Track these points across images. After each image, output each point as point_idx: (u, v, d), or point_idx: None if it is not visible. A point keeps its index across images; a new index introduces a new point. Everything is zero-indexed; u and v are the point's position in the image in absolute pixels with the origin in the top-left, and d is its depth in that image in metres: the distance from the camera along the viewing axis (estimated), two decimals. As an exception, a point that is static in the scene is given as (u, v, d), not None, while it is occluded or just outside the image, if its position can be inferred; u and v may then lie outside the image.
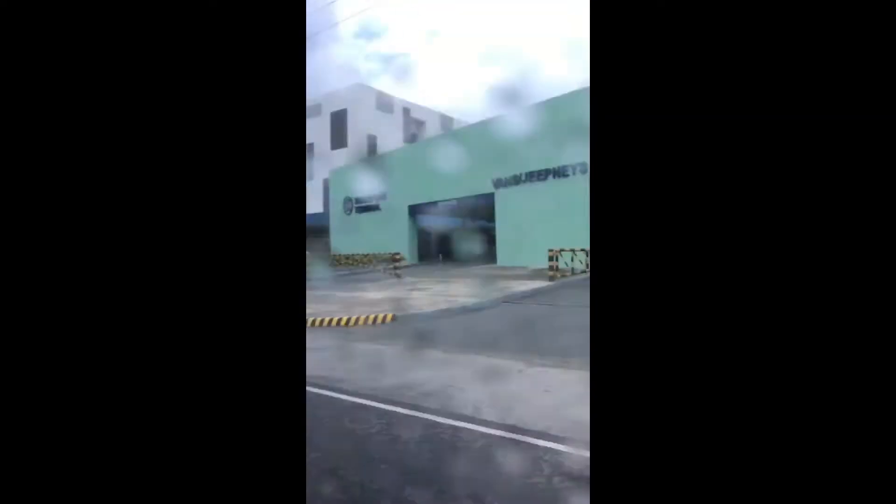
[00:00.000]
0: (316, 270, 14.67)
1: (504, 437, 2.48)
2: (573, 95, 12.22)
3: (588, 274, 9.48)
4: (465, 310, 7.26)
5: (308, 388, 3.44)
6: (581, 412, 2.30)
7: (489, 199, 15.56)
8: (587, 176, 9.82)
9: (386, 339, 5.37)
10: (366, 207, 21.16)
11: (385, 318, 6.57)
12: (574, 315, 5.93)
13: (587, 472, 1.83)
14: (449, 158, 16.44)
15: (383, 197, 20.27)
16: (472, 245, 16.29)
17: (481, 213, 18.07)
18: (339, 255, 14.63)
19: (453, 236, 22.95)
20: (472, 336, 5.52)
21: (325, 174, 34.95)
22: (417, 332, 5.71)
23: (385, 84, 36.47)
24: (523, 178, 14.22)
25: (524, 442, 2.42)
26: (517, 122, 14.20)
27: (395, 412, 2.95)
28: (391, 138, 34.43)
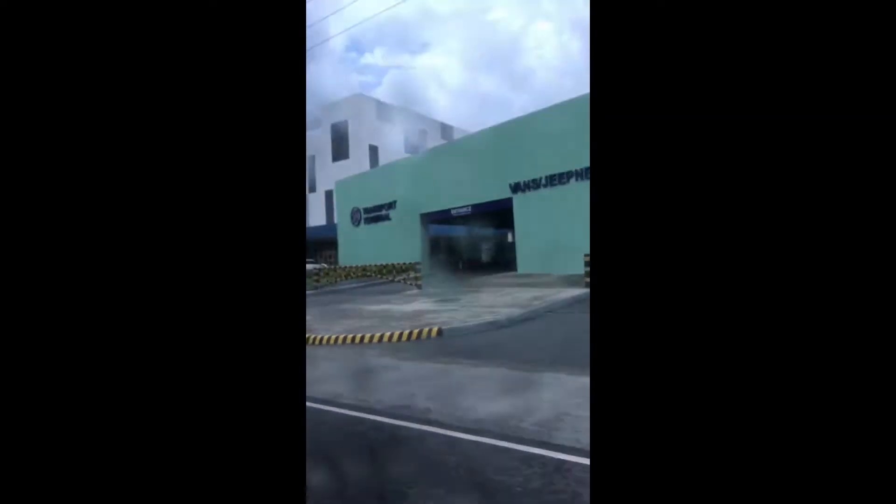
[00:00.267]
0: (330, 283, 14.15)
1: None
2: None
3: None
4: (512, 322, 6.76)
5: (399, 423, 2.92)
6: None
7: (505, 204, 15.14)
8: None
9: (444, 357, 4.87)
10: (374, 218, 20.70)
11: (431, 332, 6.07)
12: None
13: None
14: (461, 165, 16.06)
15: (392, 206, 19.83)
16: (489, 253, 15.85)
17: (497, 220, 17.66)
18: (353, 266, 14.14)
19: (468, 244, 22.53)
20: (536, 351, 5.02)
21: (328, 186, 34.62)
22: (473, 348, 5.21)
23: (381, 95, 36.24)
24: (543, 181, 13.80)
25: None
26: (534, 125, 13.85)
27: (539, 456, 2.36)
28: (392, 148, 34.16)
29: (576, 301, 8.21)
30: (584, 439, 2.49)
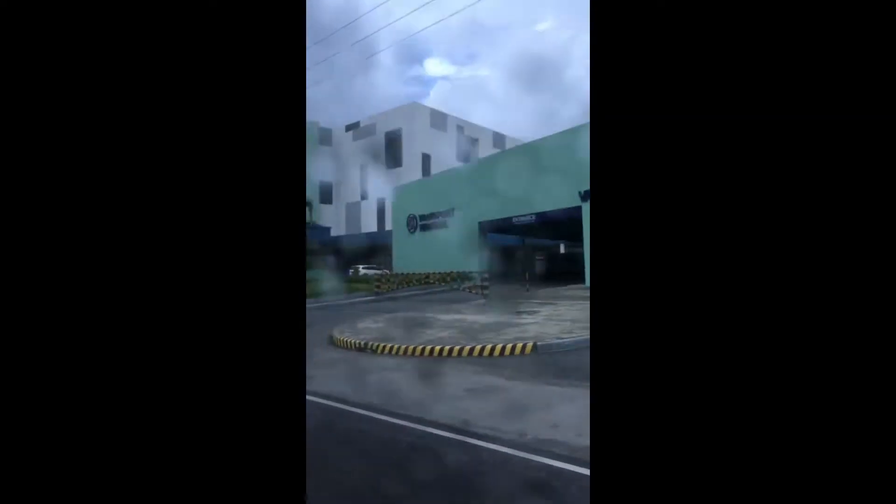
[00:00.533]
0: (391, 289, 13.87)
1: None
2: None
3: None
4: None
5: (558, 464, 2.35)
6: None
7: (574, 213, 14.35)
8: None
9: (553, 378, 4.26)
10: (431, 225, 20.41)
11: (525, 347, 5.48)
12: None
13: None
14: (525, 172, 15.45)
15: (450, 213, 19.46)
16: (552, 264, 15.09)
17: (563, 230, 16.87)
18: (413, 273, 13.80)
19: (529, 254, 21.79)
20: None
21: (380, 193, 34.92)
22: (579, 367, 4.56)
23: (429, 106, 36.28)
24: (618, 189, 12.92)
25: None
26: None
27: None
28: (445, 157, 34.04)
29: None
30: None
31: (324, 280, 22.12)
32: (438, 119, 35.07)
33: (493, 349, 5.43)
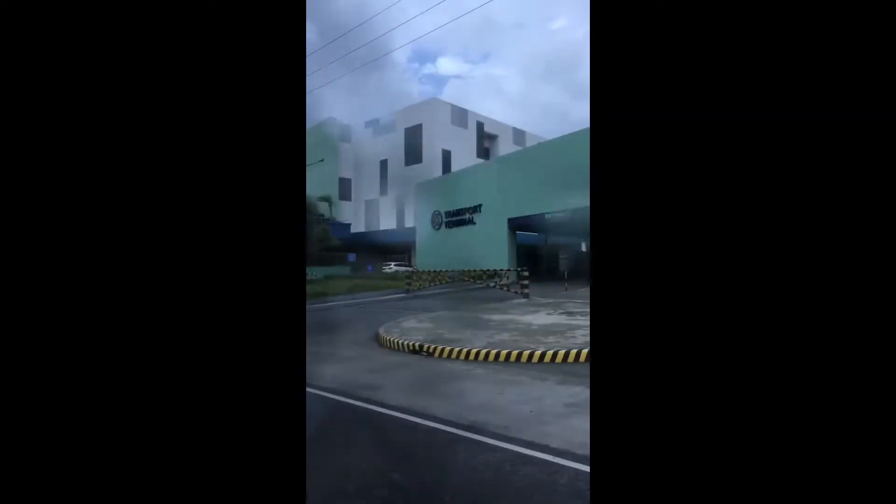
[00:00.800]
0: (422, 287, 13.36)
1: None
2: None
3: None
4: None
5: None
6: None
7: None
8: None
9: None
10: (457, 222, 19.86)
11: (603, 353, 4.91)
12: None
13: None
14: (558, 166, 14.82)
15: (477, 210, 18.90)
16: (577, 262, 14.49)
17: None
18: (447, 271, 13.29)
19: (554, 253, 21.11)
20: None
21: (400, 190, 34.50)
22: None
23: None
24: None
25: None
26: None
27: None
28: (465, 153, 33.45)
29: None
30: None
31: (350, 277, 21.71)
32: (459, 115, 34.49)
33: (567, 354, 4.88)
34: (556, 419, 3.05)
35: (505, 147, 35.27)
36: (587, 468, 2.29)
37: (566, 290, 12.50)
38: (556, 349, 4.99)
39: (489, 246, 17.59)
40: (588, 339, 5.52)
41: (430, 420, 3.08)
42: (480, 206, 18.65)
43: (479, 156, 34.45)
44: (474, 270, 12.35)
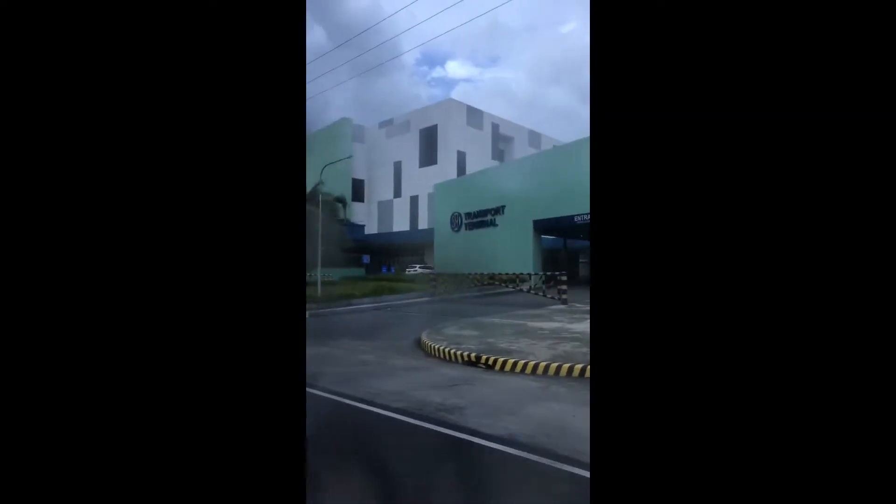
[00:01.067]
0: (448, 291, 12.82)
1: None
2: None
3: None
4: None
5: None
6: None
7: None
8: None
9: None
10: (478, 223, 19.33)
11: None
12: None
13: None
14: (582, 169, 14.28)
15: (500, 212, 18.36)
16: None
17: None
18: (473, 273, 12.75)
19: (574, 256, 20.52)
20: None
21: (413, 191, 34.03)
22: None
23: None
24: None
25: None
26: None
27: None
28: (480, 155, 32.93)
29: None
30: None
31: (371, 280, 21.20)
32: (475, 116, 34.00)
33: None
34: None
35: (520, 149, 34.74)
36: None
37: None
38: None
39: (511, 248, 17.04)
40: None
41: (559, 462, 2.50)
42: (504, 207, 18.11)
43: (493, 158, 33.94)
44: (504, 274, 11.78)
